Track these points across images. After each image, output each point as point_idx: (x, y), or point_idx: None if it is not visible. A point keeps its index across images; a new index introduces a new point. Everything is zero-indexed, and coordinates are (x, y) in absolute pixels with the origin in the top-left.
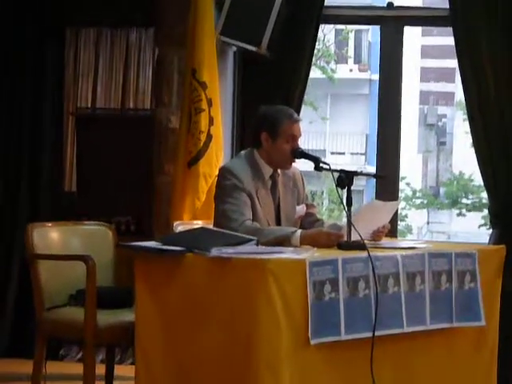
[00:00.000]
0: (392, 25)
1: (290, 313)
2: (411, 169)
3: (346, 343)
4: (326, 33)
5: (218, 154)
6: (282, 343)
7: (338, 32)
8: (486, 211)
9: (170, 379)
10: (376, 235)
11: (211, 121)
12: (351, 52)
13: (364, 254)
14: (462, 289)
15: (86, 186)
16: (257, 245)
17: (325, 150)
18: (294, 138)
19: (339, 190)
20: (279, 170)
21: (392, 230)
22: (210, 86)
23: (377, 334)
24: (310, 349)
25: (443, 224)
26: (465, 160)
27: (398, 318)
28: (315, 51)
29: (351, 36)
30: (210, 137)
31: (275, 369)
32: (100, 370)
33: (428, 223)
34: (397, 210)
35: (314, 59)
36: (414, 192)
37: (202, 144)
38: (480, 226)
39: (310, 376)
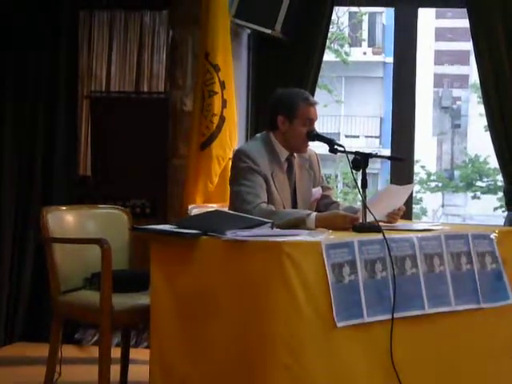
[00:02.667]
0: (406, 6)
1: (309, 295)
2: (426, 152)
3: (368, 325)
4: (340, 16)
5: (232, 137)
6: (302, 325)
7: (351, 15)
8: (500, 194)
9: (185, 362)
10: (391, 217)
11: (224, 103)
12: (365, 35)
13: (380, 236)
14: (485, 270)
15: (100, 169)
16: (272, 227)
17: (339, 133)
18: (311, 121)
19: (354, 172)
20: (295, 153)
21: (407, 213)
22: (224, 69)
23: (396, 315)
24: (335, 331)
25: (458, 207)
26: (479, 142)
27: (418, 299)
28: (329, 34)
29: (365, 19)
30: (223, 119)
31: (295, 351)
32: (115, 353)
33: (443, 206)
34: (411, 193)
35: (327, 42)
36: (429, 175)
37: (214, 126)
38: (495, 208)
39: (334, 358)
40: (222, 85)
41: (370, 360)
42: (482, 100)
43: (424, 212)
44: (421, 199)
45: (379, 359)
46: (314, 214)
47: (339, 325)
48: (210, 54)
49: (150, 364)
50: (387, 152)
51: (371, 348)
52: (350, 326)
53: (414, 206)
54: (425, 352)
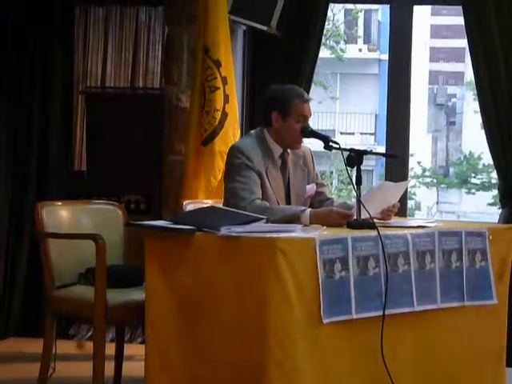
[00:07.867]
0: (402, 3)
1: (300, 291)
2: (421, 149)
3: (357, 321)
4: (336, 12)
5: (235, 132)
6: (293, 321)
7: (347, 12)
8: (495, 191)
9: (181, 357)
10: (386, 214)
11: (226, 99)
12: (361, 32)
13: (374, 232)
14: (474, 267)
15: (95, 165)
16: (266, 223)
17: (334, 130)
18: (305, 117)
19: (349, 169)
20: (289, 150)
21: (401, 209)
22: (225, 64)
23: (387, 312)
24: (322, 327)
25: (453, 204)
26: (474, 139)
27: (408, 296)
28: (324, 31)
29: (360, 16)
30: (225, 115)
31: (286, 346)
32: (109, 349)
33: (437, 203)
34: (406, 189)
35: (323, 39)
36: (424, 170)
37: (217, 122)
38: (489, 204)
39: (321, 353)
40: (224, 80)
41: (359, 356)
42: (477, 97)
43: (418, 207)
44: (415, 194)
45: (368, 356)
46: (309, 210)
47: (325, 321)
48: (211, 49)
49: (145, 359)
50: (382, 149)
51: (360, 344)
52: (338, 323)
53: (408, 200)
54: (412, 349)
